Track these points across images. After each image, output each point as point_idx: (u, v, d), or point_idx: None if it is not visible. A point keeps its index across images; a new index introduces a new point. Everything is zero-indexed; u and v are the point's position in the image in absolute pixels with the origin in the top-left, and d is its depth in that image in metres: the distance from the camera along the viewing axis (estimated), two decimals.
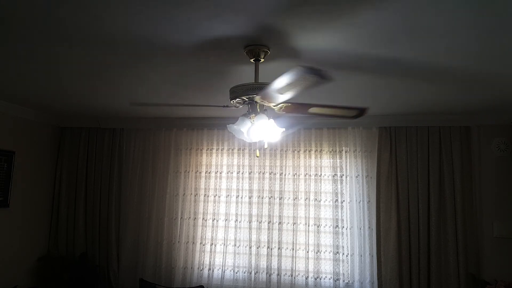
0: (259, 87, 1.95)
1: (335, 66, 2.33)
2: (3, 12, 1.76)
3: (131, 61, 2.35)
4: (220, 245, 3.98)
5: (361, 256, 3.68)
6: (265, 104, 2.01)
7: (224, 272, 3.92)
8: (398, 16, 1.69)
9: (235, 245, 3.95)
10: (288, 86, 1.67)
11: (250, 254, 3.88)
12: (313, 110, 2.07)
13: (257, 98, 1.97)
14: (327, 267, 3.74)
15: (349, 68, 2.39)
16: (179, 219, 4.06)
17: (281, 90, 1.74)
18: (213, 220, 4.02)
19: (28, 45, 2.14)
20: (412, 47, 2.02)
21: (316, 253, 3.76)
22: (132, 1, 1.63)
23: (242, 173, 4.02)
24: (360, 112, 2.10)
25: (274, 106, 2.03)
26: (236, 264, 3.92)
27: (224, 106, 2.24)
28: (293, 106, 2.06)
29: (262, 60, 2.08)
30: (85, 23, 1.85)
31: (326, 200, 3.82)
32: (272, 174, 3.96)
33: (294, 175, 3.91)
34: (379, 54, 2.12)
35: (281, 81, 1.63)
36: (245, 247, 3.92)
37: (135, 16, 1.76)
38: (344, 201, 3.78)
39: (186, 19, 1.76)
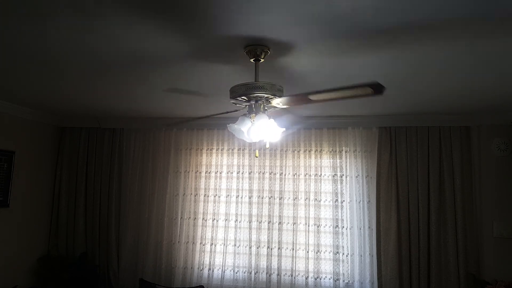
0: (259, 86, 1.95)
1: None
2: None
3: (132, 62, 2.35)
4: (220, 245, 3.98)
5: (361, 256, 3.68)
6: (279, 107, 2.00)
7: (224, 272, 3.92)
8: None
9: (235, 245, 3.95)
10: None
11: (250, 254, 3.88)
12: (316, 97, 1.88)
13: (275, 101, 1.95)
14: (327, 267, 3.74)
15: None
16: (179, 219, 4.06)
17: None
18: (213, 220, 4.02)
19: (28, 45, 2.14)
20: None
21: (316, 253, 3.76)
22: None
23: (242, 173, 4.02)
24: (377, 89, 1.63)
25: (272, 99, 2.00)
26: (236, 264, 3.92)
27: (226, 112, 2.24)
28: (294, 98, 1.96)
29: (262, 60, 2.07)
30: None
31: (326, 200, 3.82)
32: (272, 174, 3.96)
33: (294, 175, 3.90)
34: None
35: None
36: (245, 247, 3.92)
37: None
38: (344, 201, 3.78)
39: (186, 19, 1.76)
